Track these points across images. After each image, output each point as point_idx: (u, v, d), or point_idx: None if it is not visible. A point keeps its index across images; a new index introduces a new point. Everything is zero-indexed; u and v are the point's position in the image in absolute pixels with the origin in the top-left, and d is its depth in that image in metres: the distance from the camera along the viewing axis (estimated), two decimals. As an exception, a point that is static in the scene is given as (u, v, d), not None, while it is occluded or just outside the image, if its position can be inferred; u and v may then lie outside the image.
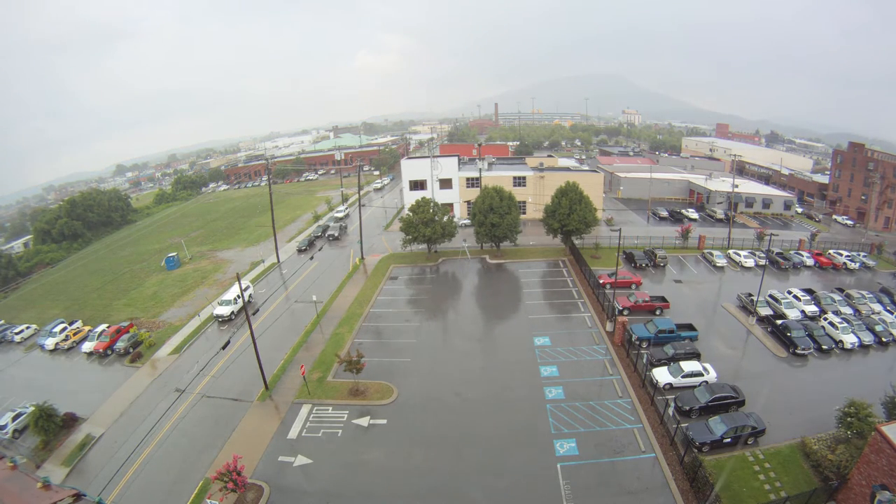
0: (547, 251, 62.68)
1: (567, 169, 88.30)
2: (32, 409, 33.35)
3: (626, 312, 44.44)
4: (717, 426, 28.27)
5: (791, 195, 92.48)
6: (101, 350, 43.83)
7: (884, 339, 40.23)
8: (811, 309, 44.91)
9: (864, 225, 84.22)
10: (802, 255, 60.21)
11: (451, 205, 76.96)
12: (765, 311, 44.22)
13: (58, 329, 47.22)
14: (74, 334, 47.46)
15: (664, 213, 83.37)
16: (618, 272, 45.78)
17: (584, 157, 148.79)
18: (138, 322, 49.87)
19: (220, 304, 49.31)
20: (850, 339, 39.46)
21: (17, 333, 49.51)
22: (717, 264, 57.33)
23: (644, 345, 38.95)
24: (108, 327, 47.27)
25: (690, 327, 40.48)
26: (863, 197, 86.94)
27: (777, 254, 60.00)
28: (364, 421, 32.10)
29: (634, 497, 25.28)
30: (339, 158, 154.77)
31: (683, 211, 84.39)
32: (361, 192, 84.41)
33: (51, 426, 32.72)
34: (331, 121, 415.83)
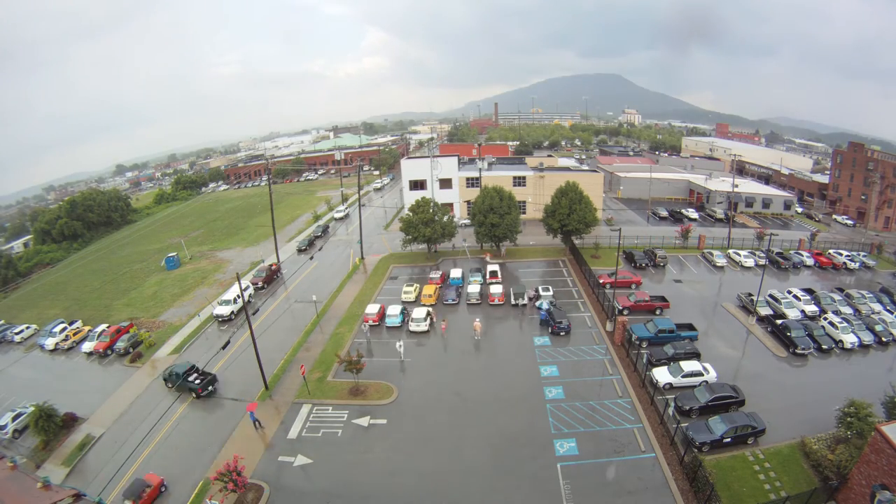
0: (547, 251, 62.68)
1: (567, 169, 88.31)
2: (32, 409, 33.35)
3: (626, 312, 44.44)
4: (717, 426, 28.27)
5: (791, 195, 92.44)
6: (101, 350, 43.82)
7: (884, 339, 40.21)
8: (811, 309, 44.90)
9: (864, 225, 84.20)
10: (802, 255, 60.19)
11: (451, 205, 76.95)
12: (765, 311, 44.22)
13: (58, 329, 47.20)
14: (74, 334, 47.44)
15: (664, 213, 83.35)
16: (618, 272, 45.79)
17: (583, 156, 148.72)
18: (138, 322, 49.86)
19: (220, 304, 49.32)
20: (850, 339, 39.45)
21: (17, 333, 49.49)
22: (717, 264, 57.33)
23: (644, 345, 38.96)
24: (108, 327, 47.26)
25: (690, 327, 40.48)
26: (863, 197, 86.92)
27: (777, 253, 59.98)
28: (364, 421, 32.10)
29: (634, 497, 25.29)
30: (339, 158, 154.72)
31: (683, 211, 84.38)
32: (361, 192, 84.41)
33: (51, 426, 32.70)
34: (331, 121, 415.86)
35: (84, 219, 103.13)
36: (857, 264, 58.72)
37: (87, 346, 44.87)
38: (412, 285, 50.77)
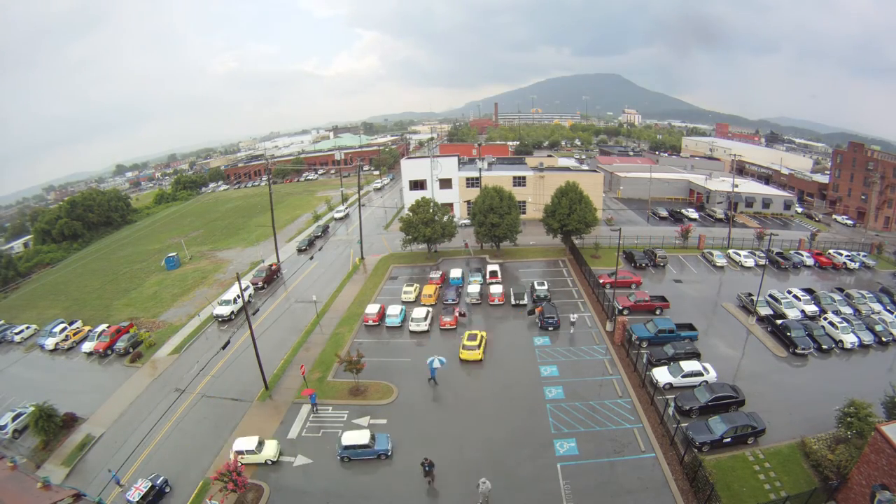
0: (547, 251, 62.67)
1: (567, 169, 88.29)
2: (32, 409, 33.36)
3: (626, 312, 44.43)
4: (717, 426, 28.26)
5: (791, 195, 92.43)
6: (101, 350, 43.84)
7: (884, 339, 40.18)
8: (811, 309, 44.88)
9: (864, 225, 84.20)
10: (802, 255, 60.17)
11: (451, 205, 76.95)
12: (765, 311, 44.21)
13: (58, 329, 47.21)
14: (74, 334, 47.46)
15: (664, 213, 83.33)
16: (618, 272, 45.79)
17: (584, 156, 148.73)
18: (138, 322, 49.87)
19: (220, 304, 49.33)
20: (849, 339, 39.43)
21: (17, 333, 49.50)
22: (717, 264, 57.31)
23: (644, 345, 38.95)
24: (108, 327, 47.29)
25: (690, 327, 40.47)
26: (863, 197, 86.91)
27: (777, 253, 59.96)
28: (364, 421, 32.10)
29: (634, 497, 25.29)
30: (339, 158, 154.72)
31: (683, 211, 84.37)
32: (361, 192, 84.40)
33: (51, 426, 32.72)
34: (331, 121, 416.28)
35: (84, 219, 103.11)
36: (857, 264, 58.69)
37: (87, 346, 44.89)
38: (412, 285, 50.77)
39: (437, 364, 34.89)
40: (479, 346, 38.40)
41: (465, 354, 38.05)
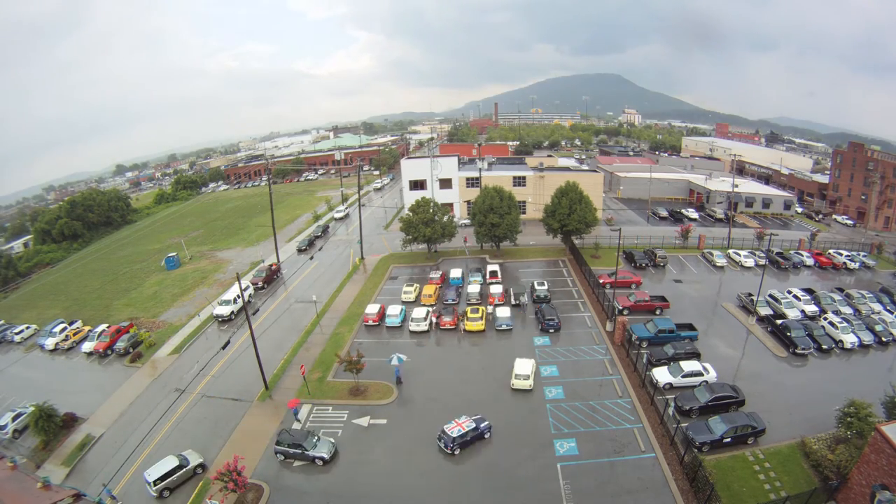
0: (547, 251, 62.67)
1: (567, 169, 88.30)
2: (32, 409, 33.37)
3: (626, 312, 44.43)
4: (717, 426, 28.27)
5: (791, 195, 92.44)
6: (101, 350, 43.84)
7: (884, 339, 40.19)
8: (811, 309, 44.88)
9: (864, 225, 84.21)
10: (802, 255, 60.17)
11: (451, 205, 76.92)
12: (765, 311, 44.21)
13: (58, 329, 47.22)
14: (74, 334, 47.45)
15: (664, 213, 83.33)
16: (618, 272, 45.79)
17: (583, 156, 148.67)
18: (138, 322, 49.87)
19: (220, 304, 49.33)
20: (849, 339, 39.44)
21: (17, 333, 49.51)
22: (717, 264, 57.31)
23: (644, 345, 38.95)
24: (108, 327, 47.29)
25: (690, 327, 40.47)
26: (863, 197, 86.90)
27: (777, 253, 59.95)
28: (364, 421, 32.12)
29: (634, 497, 25.29)
30: (339, 158, 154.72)
31: (683, 211, 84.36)
32: (361, 192, 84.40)
33: (51, 426, 32.73)
34: (331, 121, 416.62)
35: (84, 219, 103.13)
36: (857, 264, 58.68)
37: (87, 346, 44.90)
38: (412, 285, 50.76)
39: (395, 362, 35.15)
40: (481, 318, 42.71)
41: (469, 326, 42.36)
